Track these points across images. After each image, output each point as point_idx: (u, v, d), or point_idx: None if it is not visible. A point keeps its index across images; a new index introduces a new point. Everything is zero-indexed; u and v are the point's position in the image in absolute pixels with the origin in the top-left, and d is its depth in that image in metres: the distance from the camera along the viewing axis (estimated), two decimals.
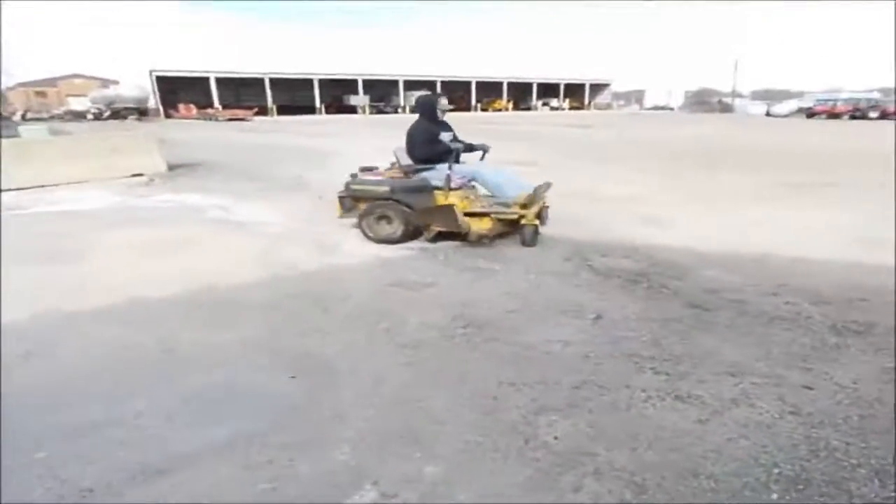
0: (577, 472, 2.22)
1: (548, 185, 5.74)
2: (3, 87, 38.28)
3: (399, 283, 4.41)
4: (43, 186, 9.19)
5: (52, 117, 42.61)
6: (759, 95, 73.52)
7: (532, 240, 5.38)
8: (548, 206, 5.83)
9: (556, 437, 2.44)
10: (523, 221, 5.38)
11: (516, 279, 4.51)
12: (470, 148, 5.98)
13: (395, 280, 4.49)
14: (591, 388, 2.84)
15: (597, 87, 72.98)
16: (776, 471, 2.21)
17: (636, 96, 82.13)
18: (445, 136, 5.82)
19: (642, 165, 12.38)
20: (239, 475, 2.23)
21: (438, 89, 58.78)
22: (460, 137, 6.00)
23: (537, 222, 5.46)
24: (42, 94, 58.30)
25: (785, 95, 64.86)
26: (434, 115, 5.84)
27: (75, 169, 9.77)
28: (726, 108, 59.76)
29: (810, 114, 43.32)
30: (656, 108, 74.21)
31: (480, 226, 5.40)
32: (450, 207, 5.24)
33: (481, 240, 5.34)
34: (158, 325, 3.64)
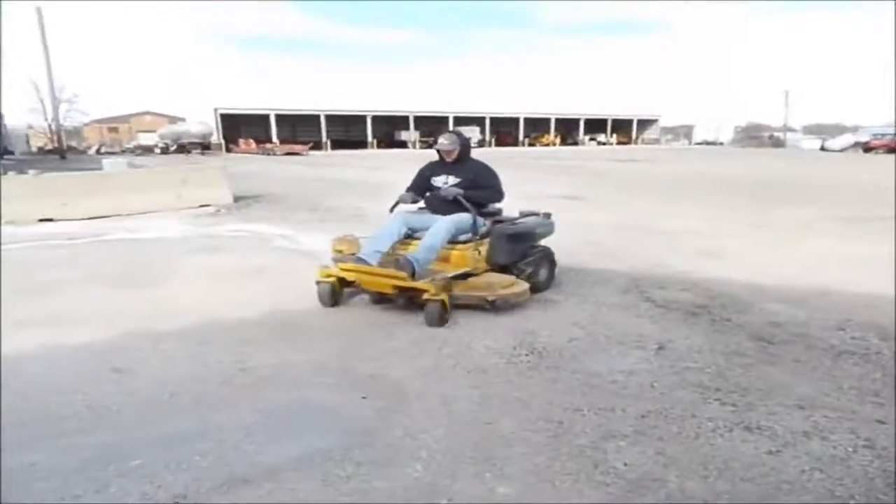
0: (649, 499, 2.25)
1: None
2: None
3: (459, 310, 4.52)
4: (120, 215, 9.83)
5: (123, 151, 45.12)
6: (811, 130, 71.85)
7: (432, 320, 4.14)
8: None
9: (625, 464, 2.47)
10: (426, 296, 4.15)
11: (576, 309, 4.57)
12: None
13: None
14: (658, 416, 2.87)
15: (644, 123, 72.58)
16: (853, 503, 2.19)
17: (684, 131, 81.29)
18: (438, 181, 4.97)
19: (695, 199, 12.26)
20: (319, 489, 2.34)
21: (487, 125, 59.75)
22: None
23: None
24: (114, 130, 61.93)
25: (838, 129, 63.10)
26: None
27: (150, 199, 10.42)
28: (778, 143, 58.55)
29: (867, 148, 42.14)
30: (705, 143, 73.27)
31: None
32: None
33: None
34: (235, 346, 3.84)
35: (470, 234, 4.67)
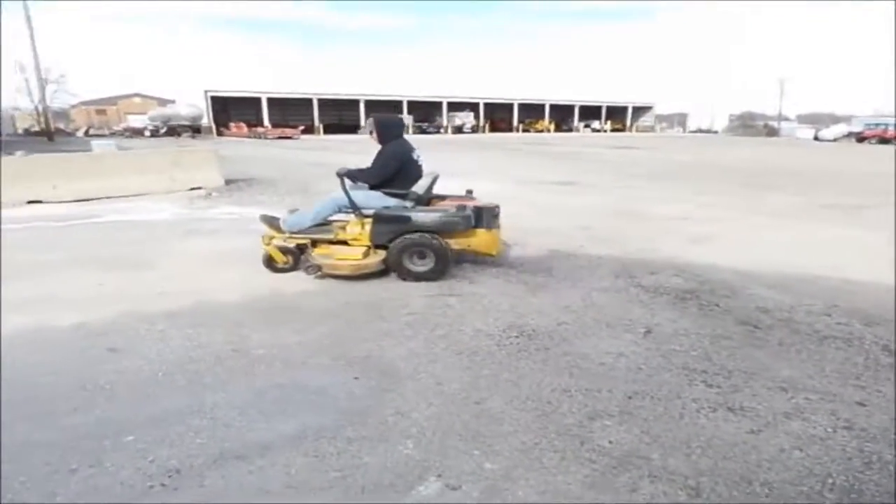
0: (633, 475, 2.31)
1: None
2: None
3: (451, 293, 4.57)
4: (111, 197, 9.79)
5: (112, 134, 44.69)
6: (805, 119, 72.26)
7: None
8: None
9: (610, 442, 2.53)
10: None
11: (566, 293, 4.62)
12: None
13: (447, 290, 4.65)
14: (644, 397, 2.93)
15: (639, 110, 72.63)
16: (830, 481, 2.26)
17: (679, 119, 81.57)
18: None
19: (689, 186, 12.33)
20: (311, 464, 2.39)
21: (481, 111, 59.67)
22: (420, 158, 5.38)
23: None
24: (102, 112, 61.38)
25: (832, 119, 63.48)
26: None
27: (141, 181, 10.37)
28: (772, 132, 58.83)
29: (860, 138, 42.50)
30: (699, 130, 73.55)
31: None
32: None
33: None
34: (228, 328, 3.87)
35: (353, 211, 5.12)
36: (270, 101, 52.34)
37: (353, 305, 4.32)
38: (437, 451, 2.46)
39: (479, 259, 5.45)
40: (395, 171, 5.11)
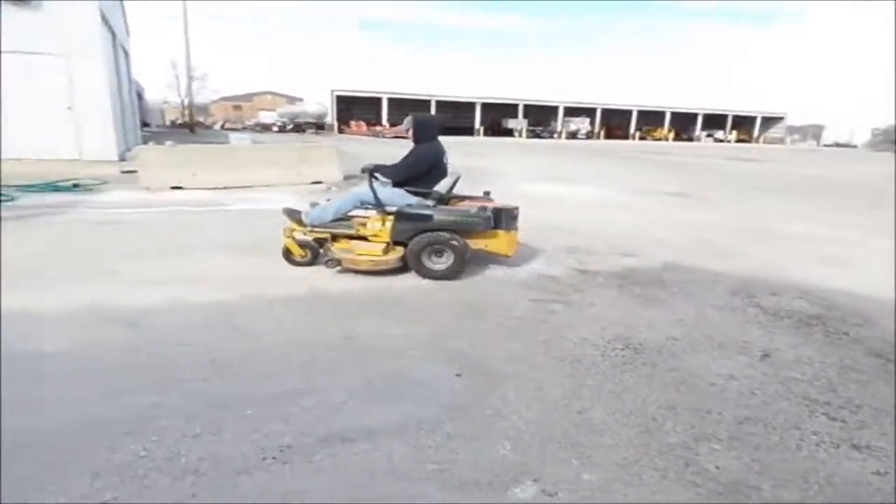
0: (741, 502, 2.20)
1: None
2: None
3: (556, 299, 4.55)
4: (243, 187, 10.61)
5: (244, 128, 48.26)
6: None
7: None
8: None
9: (717, 467, 2.43)
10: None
11: (679, 307, 4.45)
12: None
13: (553, 296, 4.63)
14: (757, 424, 2.78)
15: (768, 120, 67.93)
16: None
17: (813, 131, 75.64)
18: None
19: (820, 202, 11.40)
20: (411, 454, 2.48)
21: (598, 117, 58.47)
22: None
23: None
24: (238, 108, 66.46)
25: None
26: None
27: (269, 174, 11.17)
28: None
29: None
30: (836, 144, 67.73)
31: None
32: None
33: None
34: (337, 316, 4.08)
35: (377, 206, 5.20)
36: (390, 101, 54.19)
37: (458, 304, 4.41)
38: (535, 455, 2.47)
39: (588, 268, 5.39)
40: (424, 172, 5.23)
